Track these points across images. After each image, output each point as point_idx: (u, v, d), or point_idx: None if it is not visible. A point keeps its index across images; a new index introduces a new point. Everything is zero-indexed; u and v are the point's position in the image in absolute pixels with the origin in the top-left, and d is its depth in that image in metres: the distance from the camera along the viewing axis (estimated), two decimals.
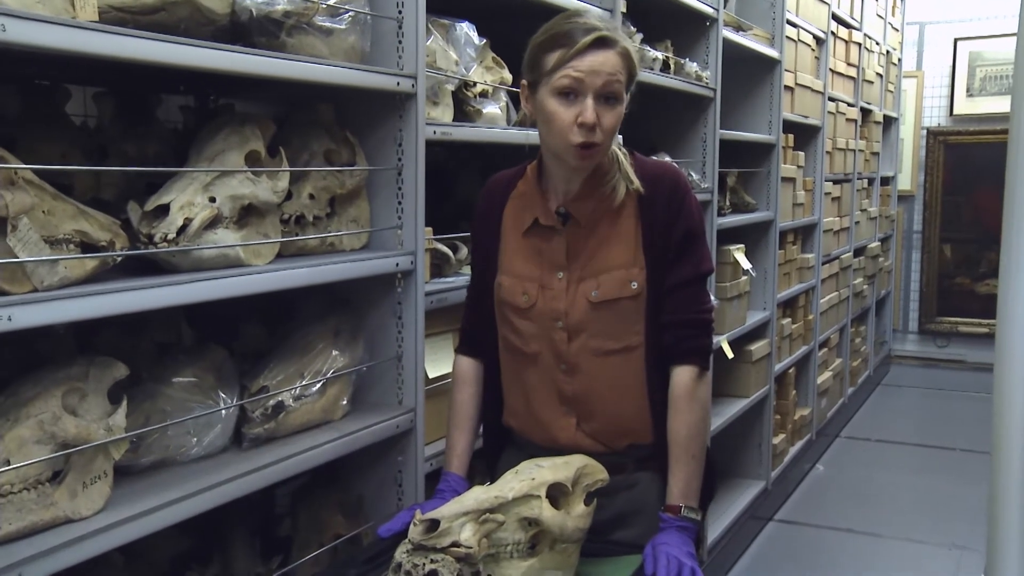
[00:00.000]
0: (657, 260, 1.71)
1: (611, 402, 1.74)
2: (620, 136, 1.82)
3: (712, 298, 1.82)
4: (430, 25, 2.09)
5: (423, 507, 1.68)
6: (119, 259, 1.49)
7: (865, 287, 6.23)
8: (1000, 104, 6.98)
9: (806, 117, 4.66)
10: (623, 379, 1.74)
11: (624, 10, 2.76)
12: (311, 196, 1.90)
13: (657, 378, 1.74)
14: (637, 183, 1.72)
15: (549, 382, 1.76)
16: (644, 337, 1.73)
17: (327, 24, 1.84)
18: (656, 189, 1.73)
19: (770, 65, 4.18)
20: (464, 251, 2.32)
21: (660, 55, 3.12)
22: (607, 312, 1.71)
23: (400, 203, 2.04)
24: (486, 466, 1.95)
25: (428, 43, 2.06)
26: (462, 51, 2.23)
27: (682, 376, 1.72)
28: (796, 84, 4.46)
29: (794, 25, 4.40)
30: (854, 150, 5.71)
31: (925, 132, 7.34)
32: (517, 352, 1.80)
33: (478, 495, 1.51)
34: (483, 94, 2.30)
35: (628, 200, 1.73)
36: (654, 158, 1.88)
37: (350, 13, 1.87)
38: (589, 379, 1.74)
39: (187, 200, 1.59)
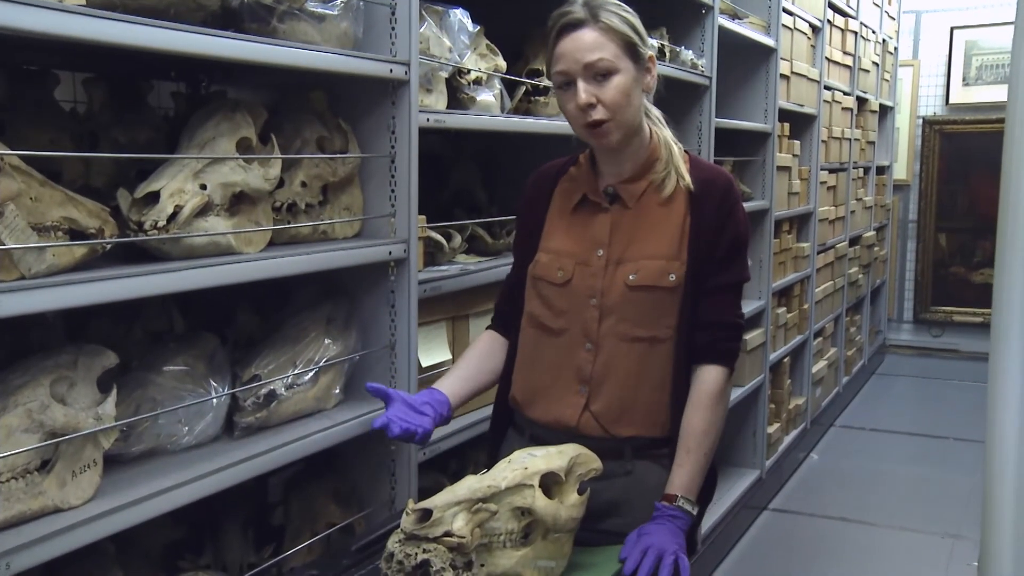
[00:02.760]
0: (700, 260, 1.72)
1: (628, 388, 1.74)
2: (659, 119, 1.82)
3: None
4: (423, 11, 2.08)
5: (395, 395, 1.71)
6: (108, 247, 1.48)
7: (860, 276, 6.23)
8: (996, 93, 6.96)
9: (802, 106, 4.64)
10: (645, 368, 1.74)
11: None
12: (303, 184, 1.89)
13: (684, 376, 1.75)
14: (688, 180, 1.75)
15: (570, 359, 1.76)
16: (674, 332, 1.73)
17: (319, 10, 1.82)
18: (709, 191, 1.75)
19: (766, 53, 4.16)
20: (458, 239, 2.31)
21: (655, 43, 3.10)
22: (642, 298, 1.72)
23: (393, 191, 2.02)
24: (488, 451, 1.95)
25: (421, 30, 2.05)
26: (456, 38, 2.21)
27: (711, 374, 1.73)
28: (792, 72, 4.44)
29: (790, 13, 4.39)
30: (850, 139, 5.70)
31: (921, 121, 7.33)
32: (542, 327, 1.80)
33: (471, 484, 1.50)
34: (477, 81, 2.28)
35: (678, 195, 1.75)
36: (709, 161, 1.89)
37: None
38: (611, 361, 1.74)
39: (177, 187, 1.58)
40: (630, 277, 1.72)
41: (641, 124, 1.75)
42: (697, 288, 1.73)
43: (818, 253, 5.11)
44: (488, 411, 1.97)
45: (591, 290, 1.74)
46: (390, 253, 1.97)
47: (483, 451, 2.08)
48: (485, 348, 1.92)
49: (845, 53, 5.49)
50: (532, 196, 1.89)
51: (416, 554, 1.42)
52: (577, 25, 1.65)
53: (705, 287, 1.73)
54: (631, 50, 1.67)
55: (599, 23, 1.64)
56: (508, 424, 1.90)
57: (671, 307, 1.72)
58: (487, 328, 1.97)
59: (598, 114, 1.66)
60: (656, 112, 1.81)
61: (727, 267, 1.75)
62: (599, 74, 1.64)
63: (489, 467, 1.87)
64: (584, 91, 1.64)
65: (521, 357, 1.86)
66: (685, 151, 1.82)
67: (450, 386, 1.82)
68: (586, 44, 1.64)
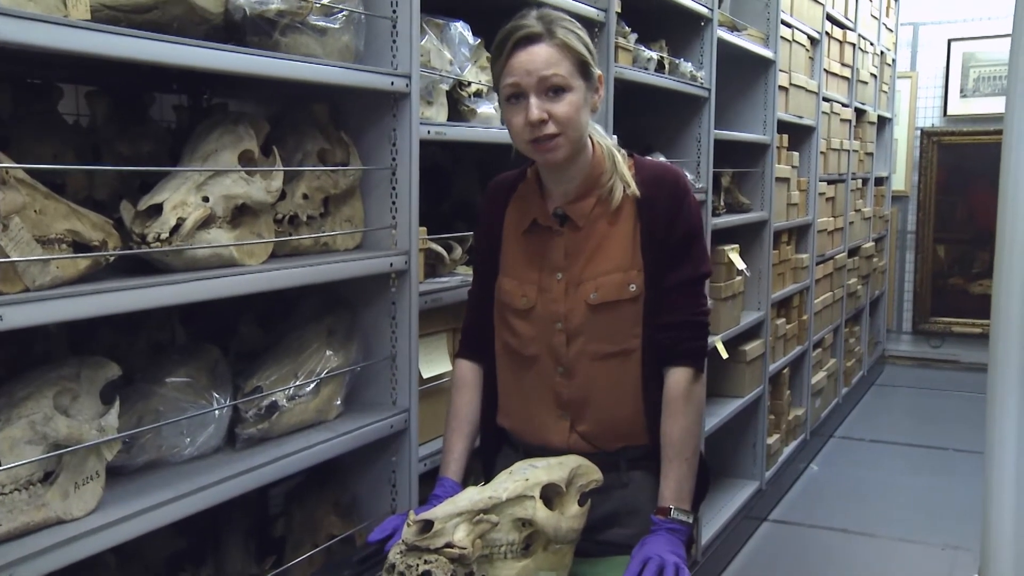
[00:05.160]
0: (656, 262, 1.71)
1: (607, 406, 1.74)
2: (615, 137, 1.82)
3: (708, 300, 1.82)
4: (424, 24, 2.09)
5: (417, 512, 1.68)
6: (112, 259, 1.49)
7: (859, 287, 6.24)
8: (994, 105, 6.99)
9: (800, 117, 4.66)
10: (620, 382, 1.74)
11: (619, 10, 2.76)
12: (305, 196, 1.90)
13: (653, 380, 1.74)
14: (633, 187, 1.73)
15: (546, 385, 1.76)
16: (642, 340, 1.72)
17: (321, 23, 1.83)
18: (656, 190, 1.73)
19: (764, 65, 4.18)
20: (459, 251, 2.31)
21: (655, 55, 3.11)
22: (606, 315, 1.71)
23: (394, 203, 2.03)
24: (482, 466, 1.95)
25: (422, 42, 2.06)
26: (456, 51, 2.22)
27: (678, 377, 1.72)
28: (790, 84, 4.46)
29: (788, 25, 4.41)
30: (848, 150, 5.72)
31: (919, 132, 7.35)
32: (515, 355, 1.80)
33: (472, 496, 1.51)
34: (477, 94, 2.30)
35: (626, 202, 1.74)
36: (652, 159, 1.88)
37: (344, 12, 1.87)
38: (586, 383, 1.74)
39: (180, 200, 1.59)
40: (591, 296, 1.71)
41: (586, 141, 1.73)
42: (657, 291, 1.71)
43: (817, 264, 5.12)
44: None
45: (555, 315, 1.74)
46: (391, 265, 1.98)
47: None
48: (471, 400, 1.88)
49: (843, 65, 5.51)
50: (487, 211, 1.88)
51: (418, 565, 1.43)
52: (533, 39, 1.63)
53: (664, 286, 1.71)
54: (583, 68, 1.66)
55: (555, 39, 1.63)
56: (500, 441, 1.90)
57: (636, 317, 1.72)
58: (458, 356, 1.94)
59: (549, 129, 1.63)
60: (597, 127, 1.80)
61: (684, 262, 1.72)
62: (551, 89, 1.63)
63: (485, 482, 1.88)
64: (536, 107, 1.62)
65: (502, 385, 1.86)
66: (630, 155, 1.80)
67: (456, 471, 1.82)
68: (541, 59, 1.62)
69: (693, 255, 1.74)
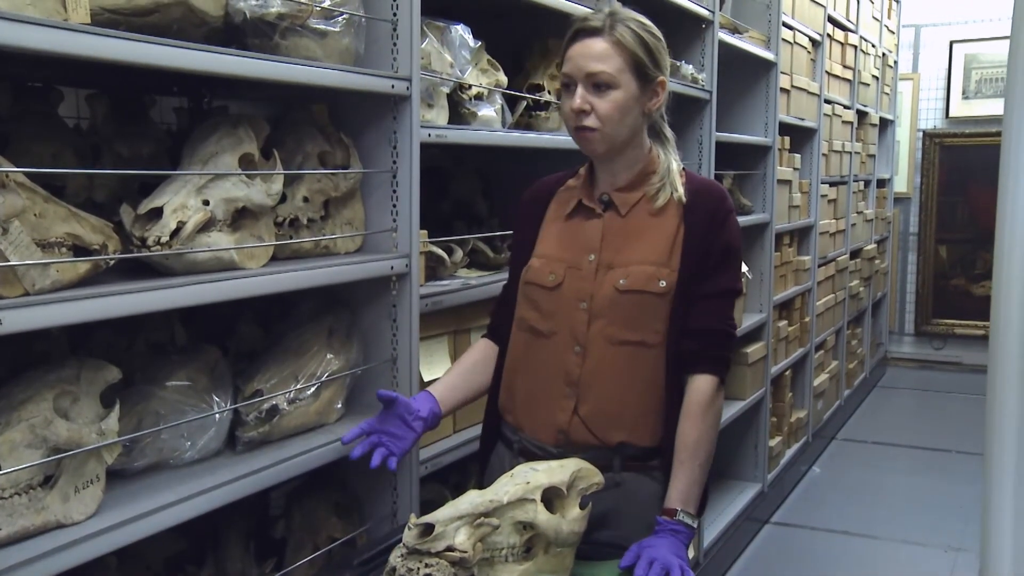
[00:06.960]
0: (691, 268, 1.73)
1: (615, 392, 1.74)
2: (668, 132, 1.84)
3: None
4: (425, 27, 2.09)
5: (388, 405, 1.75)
6: (112, 262, 1.49)
7: (861, 289, 6.23)
8: (996, 106, 6.98)
9: (802, 119, 4.66)
10: (633, 373, 1.74)
11: None
12: (305, 199, 1.90)
13: (675, 387, 1.75)
14: (681, 192, 1.77)
15: (559, 362, 1.77)
16: (664, 339, 1.73)
17: (321, 26, 1.83)
18: (702, 201, 1.77)
19: (766, 67, 4.18)
20: (459, 254, 2.31)
21: None
22: (631, 302, 1.73)
23: (395, 206, 2.03)
24: (478, 465, 1.95)
25: (423, 45, 2.06)
26: (457, 53, 2.23)
27: (702, 384, 1.74)
28: (792, 86, 4.46)
29: (790, 27, 4.40)
30: (850, 152, 5.71)
31: (921, 134, 7.35)
32: (532, 330, 1.81)
33: (473, 499, 1.51)
34: (478, 96, 2.29)
35: (671, 206, 1.77)
36: (702, 175, 1.92)
37: (344, 15, 1.87)
38: (599, 365, 1.74)
39: (180, 203, 1.59)
40: (620, 281, 1.73)
41: (638, 140, 1.77)
42: (688, 296, 1.73)
43: (819, 266, 5.11)
44: None
45: (581, 294, 1.76)
46: (392, 268, 1.98)
47: None
48: (479, 358, 1.93)
49: (845, 67, 5.50)
50: (528, 208, 1.91)
51: (418, 568, 1.42)
52: (592, 32, 1.69)
53: (695, 294, 1.74)
54: (638, 69, 1.69)
55: (612, 35, 1.68)
56: (495, 439, 1.91)
57: (661, 313, 1.73)
58: (482, 336, 1.99)
59: (589, 121, 1.70)
60: (669, 134, 1.84)
61: (718, 275, 1.75)
62: (599, 84, 1.68)
63: (479, 477, 1.88)
64: (580, 97, 1.69)
65: (510, 361, 1.87)
66: (683, 169, 1.84)
67: (441, 394, 1.85)
68: (593, 53, 1.68)
69: (729, 269, 1.78)
